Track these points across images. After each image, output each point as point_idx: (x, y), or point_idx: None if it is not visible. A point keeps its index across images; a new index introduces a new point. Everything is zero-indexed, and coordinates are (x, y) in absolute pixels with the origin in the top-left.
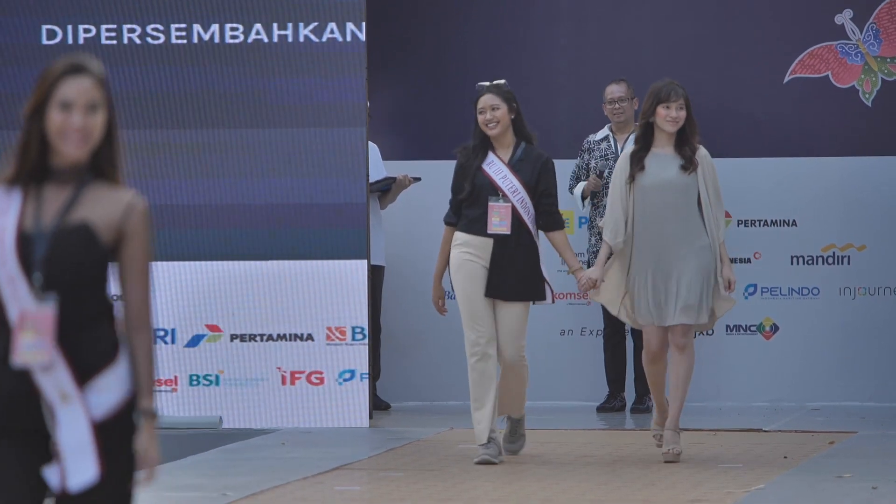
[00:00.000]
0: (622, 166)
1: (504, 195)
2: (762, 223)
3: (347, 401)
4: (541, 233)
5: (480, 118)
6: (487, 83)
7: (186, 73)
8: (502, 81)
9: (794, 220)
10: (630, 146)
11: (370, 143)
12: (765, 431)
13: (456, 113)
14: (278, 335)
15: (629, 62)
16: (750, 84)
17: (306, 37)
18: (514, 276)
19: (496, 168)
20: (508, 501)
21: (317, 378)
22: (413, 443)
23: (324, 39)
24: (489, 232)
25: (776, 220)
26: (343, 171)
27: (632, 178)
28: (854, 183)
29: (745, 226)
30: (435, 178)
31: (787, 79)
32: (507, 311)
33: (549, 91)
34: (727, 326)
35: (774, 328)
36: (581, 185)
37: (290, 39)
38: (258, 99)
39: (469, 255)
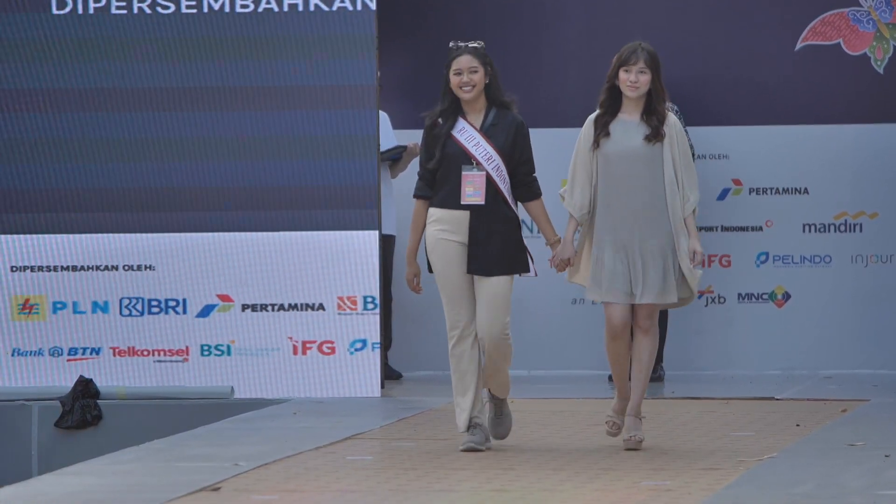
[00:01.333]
0: (587, 131)
1: (477, 163)
2: (774, 191)
3: (359, 370)
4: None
5: (455, 80)
6: (463, 43)
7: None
8: (480, 44)
9: (805, 188)
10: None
11: (381, 112)
12: (777, 400)
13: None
14: (289, 305)
15: (640, 30)
16: (761, 52)
17: (316, 6)
18: (495, 248)
19: (468, 135)
20: (520, 469)
21: (328, 348)
22: (424, 412)
23: (334, 8)
24: (463, 203)
25: (788, 188)
26: (354, 146)
27: (596, 143)
28: (866, 150)
29: (756, 194)
30: None
31: (798, 46)
32: (490, 286)
33: (561, 60)
34: (739, 295)
35: (786, 296)
36: None
37: (300, 9)
38: (268, 73)
39: (444, 233)
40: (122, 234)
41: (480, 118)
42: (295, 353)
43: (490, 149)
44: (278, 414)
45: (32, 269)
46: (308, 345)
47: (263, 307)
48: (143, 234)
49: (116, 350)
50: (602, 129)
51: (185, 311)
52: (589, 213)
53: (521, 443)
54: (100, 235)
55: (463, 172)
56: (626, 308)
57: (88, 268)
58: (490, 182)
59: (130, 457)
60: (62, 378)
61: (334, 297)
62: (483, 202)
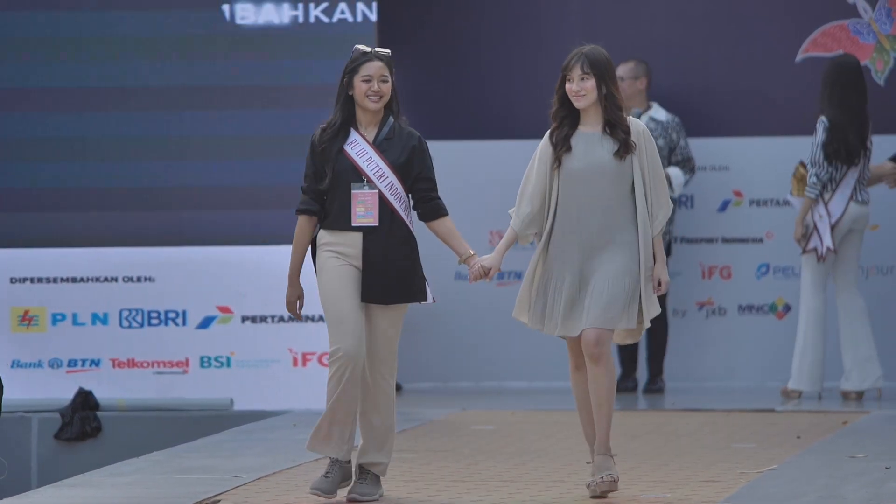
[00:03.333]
0: (544, 147)
1: (369, 180)
2: (774, 202)
3: None
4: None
5: (364, 87)
6: (368, 48)
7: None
8: (388, 51)
9: None
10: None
11: None
12: (778, 412)
13: (468, 92)
14: (289, 317)
15: (641, 40)
16: (762, 63)
17: (317, 17)
18: (392, 274)
19: (359, 148)
20: (521, 482)
21: (328, 359)
22: (425, 424)
23: (334, 20)
24: (353, 224)
25: (788, 200)
26: None
27: (558, 161)
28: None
29: (757, 205)
30: (447, 157)
31: (799, 57)
32: (383, 316)
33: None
34: (739, 306)
35: (787, 308)
36: None
37: (300, 20)
38: (266, 81)
39: (336, 255)
40: (122, 248)
41: (374, 131)
42: (295, 364)
43: (383, 164)
44: (278, 426)
45: (32, 280)
46: (308, 356)
47: (263, 319)
48: (144, 248)
49: (116, 361)
50: (563, 144)
51: (185, 323)
52: (536, 233)
53: (522, 455)
54: (100, 248)
55: (353, 191)
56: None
57: (88, 279)
58: (384, 201)
59: (130, 469)
60: (62, 390)
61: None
62: (376, 223)
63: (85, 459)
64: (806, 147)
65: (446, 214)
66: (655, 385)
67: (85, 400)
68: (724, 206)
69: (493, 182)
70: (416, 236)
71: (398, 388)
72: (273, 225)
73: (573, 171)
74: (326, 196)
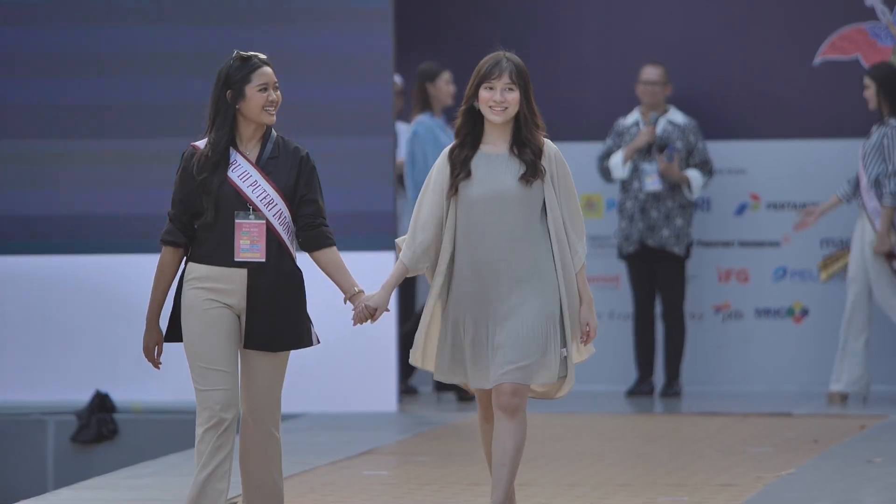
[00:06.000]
0: (440, 169)
1: (255, 209)
2: (791, 206)
3: (376, 385)
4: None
5: (260, 98)
6: (247, 53)
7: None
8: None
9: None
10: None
11: (403, 123)
12: (794, 416)
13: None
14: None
15: (658, 44)
16: (779, 66)
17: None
18: (279, 317)
19: (242, 171)
20: (536, 486)
21: (345, 362)
22: (441, 427)
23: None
24: (237, 259)
25: (805, 203)
26: (370, 178)
27: (454, 188)
28: None
29: (774, 209)
30: None
31: (816, 61)
32: (266, 364)
33: (579, 73)
34: (756, 310)
35: (804, 312)
36: (619, 154)
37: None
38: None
39: (210, 293)
40: (145, 255)
41: (257, 149)
42: (312, 367)
43: (270, 189)
44: (294, 429)
45: (50, 284)
46: (325, 359)
47: None
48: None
49: (133, 364)
50: (461, 169)
51: None
52: (428, 267)
53: (538, 458)
54: (126, 255)
55: (237, 221)
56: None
57: (108, 282)
58: (272, 232)
59: (146, 471)
60: (78, 392)
61: (351, 312)
62: (263, 259)
63: (101, 462)
64: (823, 150)
65: (333, 244)
66: (672, 389)
67: (101, 402)
68: (741, 209)
69: None
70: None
71: (413, 390)
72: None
73: (472, 198)
74: (196, 225)
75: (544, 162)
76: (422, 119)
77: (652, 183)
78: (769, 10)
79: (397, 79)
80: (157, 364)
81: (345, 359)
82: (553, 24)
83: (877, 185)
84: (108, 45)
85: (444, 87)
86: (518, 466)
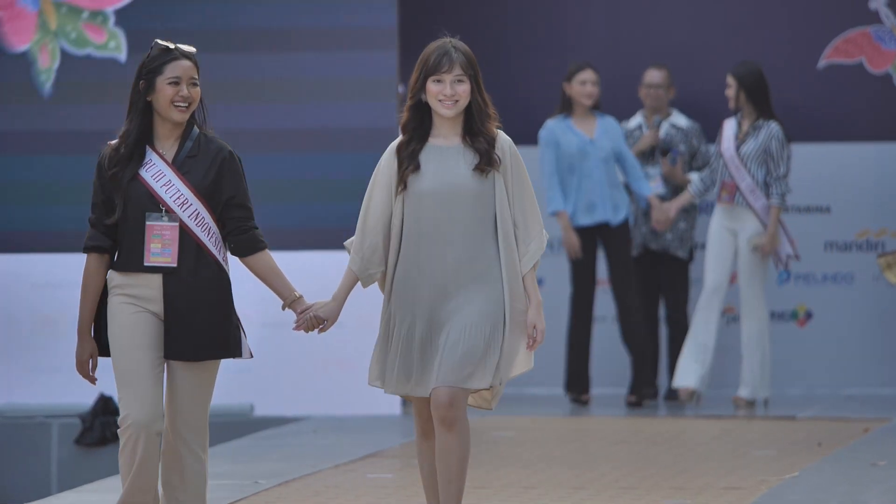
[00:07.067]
0: (387, 164)
1: (168, 210)
2: (795, 209)
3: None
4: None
5: (170, 92)
6: (171, 44)
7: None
8: (194, 49)
9: (827, 207)
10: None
11: None
12: (798, 419)
13: (496, 98)
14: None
15: (663, 47)
16: (784, 69)
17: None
18: (200, 325)
19: (156, 170)
20: (541, 488)
21: (349, 365)
22: None
23: (356, 26)
24: (146, 264)
25: (810, 207)
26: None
27: (403, 183)
28: (888, 168)
29: None
30: None
31: (821, 64)
32: (190, 375)
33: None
34: None
35: (808, 315)
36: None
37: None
38: (287, 82)
39: (129, 300)
40: None
41: (174, 147)
42: (316, 370)
43: (185, 189)
44: (298, 431)
45: (54, 286)
46: (329, 362)
47: (286, 324)
48: None
49: None
50: (410, 162)
51: None
52: (379, 273)
53: (542, 461)
54: None
55: (147, 222)
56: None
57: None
58: (187, 235)
59: None
60: (82, 395)
61: (356, 314)
62: (174, 263)
63: (105, 465)
64: (827, 153)
65: (265, 248)
66: (676, 392)
67: (105, 405)
68: None
69: None
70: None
71: None
72: (306, 226)
73: (423, 192)
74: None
75: (498, 153)
76: None
77: (655, 186)
78: (773, 13)
79: (400, 89)
80: (92, 379)
81: (348, 361)
82: (560, 26)
83: (765, 185)
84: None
85: None
86: (465, 477)
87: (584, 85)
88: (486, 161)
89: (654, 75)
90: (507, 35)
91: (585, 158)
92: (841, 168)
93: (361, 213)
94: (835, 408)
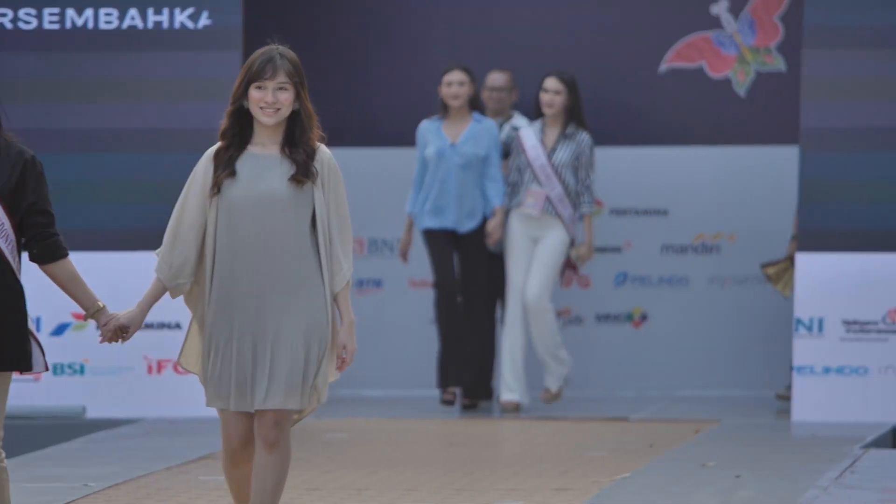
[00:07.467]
0: (203, 169)
1: None
2: (634, 212)
3: None
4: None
5: None
6: None
7: (57, 58)
8: None
9: (665, 210)
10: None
11: None
12: (631, 420)
13: (333, 100)
14: (145, 324)
15: (506, 51)
16: (625, 73)
17: (182, 23)
18: None
19: None
20: (373, 490)
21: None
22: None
23: (199, 26)
24: None
25: (648, 210)
26: None
27: (216, 187)
28: (726, 172)
29: (616, 215)
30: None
31: (662, 68)
32: None
33: (428, 80)
34: (597, 315)
35: (644, 317)
36: None
37: (164, 26)
38: (133, 83)
39: None
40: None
41: None
42: (150, 371)
43: None
44: (131, 434)
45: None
46: (164, 363)
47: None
48: None
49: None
50: (225, 168)
51: (38, 330)
52: (188, 284)
53: (376, 463)
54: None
55: None
56: (247, 421)
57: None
58: None
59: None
60: None
61: (190, 316)
62: None
63: None
64: (665, 157)
65: (67, 256)
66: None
67: None
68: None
69: (380, 189)
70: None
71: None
72: (135, 230)
73: (237, 200)
74: None
75: (317, 165)
76: None
77: None
78: (615, 17)
79: None
80: None
81: None
82: (402, 29)
83: (574, 194)
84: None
85: None
86: (280, 499)
87: (449, 86)
88: (303, 172)
89: (496, 78)
90: (349, 37)
91: (442, 162)
92: (679, 172)
93: (173, 219)
94: (667, 409)
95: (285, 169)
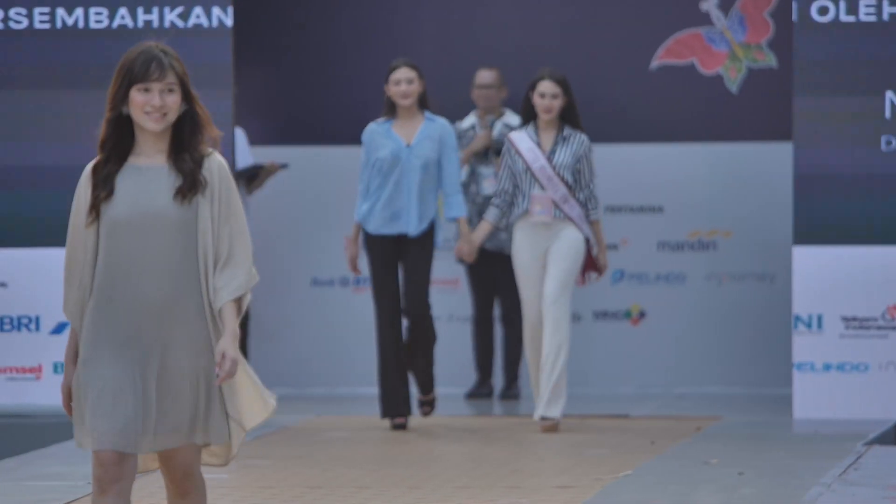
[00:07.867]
0: (84, 186)
1: None
2: (629, 209)
3: None
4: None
5: None
6: None
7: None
8: None
9: (660, 207)
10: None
11: (237, 128)
12: (632, 417)
13: (323, 98)
14: None
15: (496, 48)
16: (616, 70)
17: (172, 22)
18: None
19: None
20: (376, 488)
21: None
22: (279, 430)
23: (189, 25)
24: None
25: (643, 207)
26: None
27: (95, 210)
28: (719, 169)
29: (612, 212)
30: (302, 164)
31: (653, 65)
32: None
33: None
34: (594, 313)
35: (641, 314)
36: None
37: (154, 25)
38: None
39: None
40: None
41: None
42: None
43: None
44: None
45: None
46: None
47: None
48: None
49: None
50: (104, 187)
51: (38, 329)
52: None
53: (376, 461)
54: None
55: None
56: (129, 460)
57: None
58: None
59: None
60: None
61: None
62: None
63: None
64: (660, 154)
65: None
66: (511, 391)
67: None
68: None
69: (350, 188)
70: None
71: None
72: None
73: (117, 220)
74: None
75: (205, 174)
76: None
77: (489, 186)
78: (606, 14)
79: None
80: None
81: None
82: (389, 27)
83: (584, 199)
84: None
85: None
86: None
87: (398, 85)
88: (190, 185)
89: (484, 76)
90: (337, 35)
91: (398, 165)
92: (673, 169)
93: (66, 256)
94: (667, 406)
95: (171, 182)
